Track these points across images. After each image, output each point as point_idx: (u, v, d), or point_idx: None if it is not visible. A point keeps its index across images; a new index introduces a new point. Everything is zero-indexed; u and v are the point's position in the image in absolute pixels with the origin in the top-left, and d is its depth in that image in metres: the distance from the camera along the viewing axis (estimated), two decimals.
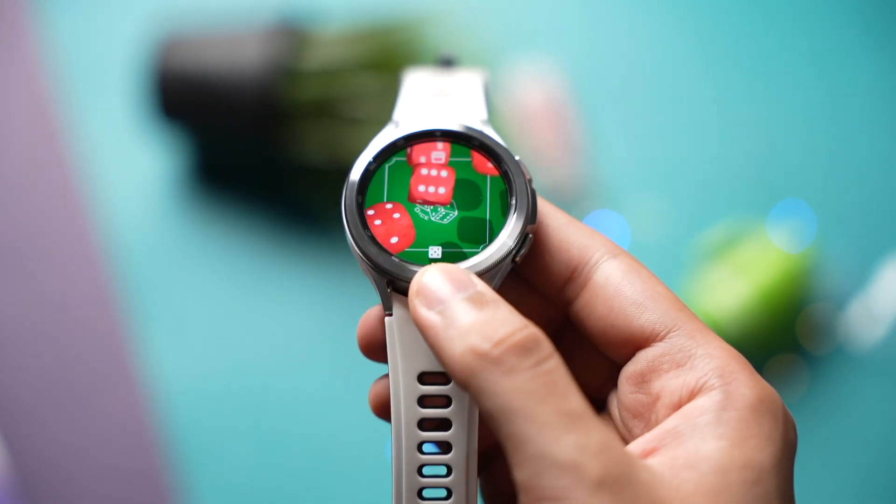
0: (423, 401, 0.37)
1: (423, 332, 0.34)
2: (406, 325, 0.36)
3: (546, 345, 0.32)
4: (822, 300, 0.86)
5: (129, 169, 0.92)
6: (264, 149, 0.88)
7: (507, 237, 0.37)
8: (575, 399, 0.31)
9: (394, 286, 0.36)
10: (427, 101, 0.40)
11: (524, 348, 0.32)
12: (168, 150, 0.92)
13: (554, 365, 0.32)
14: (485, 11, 0.97)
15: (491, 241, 0.37)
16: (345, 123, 0.85)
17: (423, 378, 0.36)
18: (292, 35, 0.86)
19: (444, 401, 0.37)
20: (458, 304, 0.33)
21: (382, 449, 0.81)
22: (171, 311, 0.86)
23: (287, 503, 0.81)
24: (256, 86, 0.84)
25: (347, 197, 0.38)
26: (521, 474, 0.31)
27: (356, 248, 0.37)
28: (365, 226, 0.37)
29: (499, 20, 0.97)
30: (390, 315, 0.36)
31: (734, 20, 1.00)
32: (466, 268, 0.36)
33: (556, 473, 0.30)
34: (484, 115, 0.39)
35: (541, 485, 0.30)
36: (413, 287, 0.34)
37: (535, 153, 0.92)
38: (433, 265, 0.35)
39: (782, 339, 0.85)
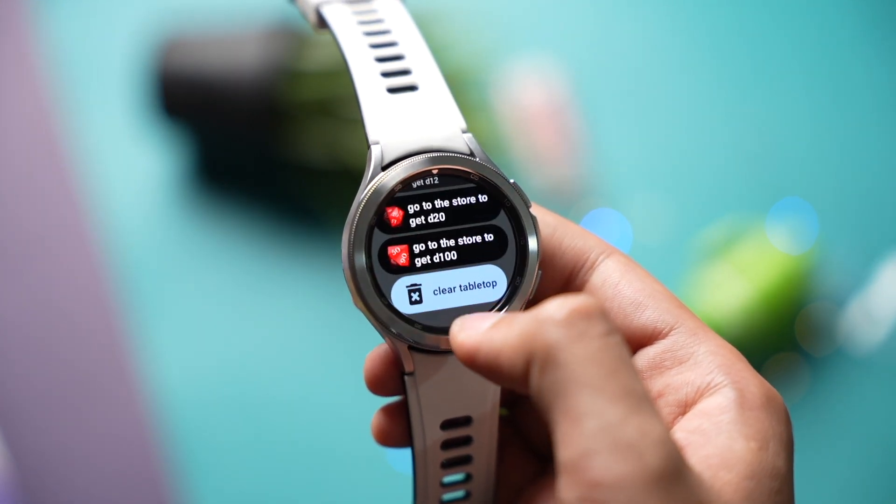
0: (445, 444, 0.37)
1: (475, 355, 0.32)
2: (426, 381, 0.36)
3: (610, 317, 0.31)
4: (822, 300, 0.86)
5: (129, 169, 0.92)
6: (264, 149, 0.88)
7: (527, 286, 0.36)
8: (639, 380, 0.30)
9: (415, 347, 0.35)
10: (394, 102, 0.37)
11: (590, 313, 0.30)
12: (168, 150, 0.92)
13: (621, 339, 0.30)
14: (485, 11, 0.97)
15: (508, 282, 0.36)
16: (345, 123, 0.85)
17: (445, 424, 0.36)
18: (292, 36, 0.86)
19: (465, 439, 0.37)
20: (506, 317, 0.32)
21: (384, 451, 0.81)
22: (171, 311, 0.86)
23: None
24: (256, 86, 0.84)
25: (356, 261, 0.35)
26: (570, 453, 0.29)
27: (375, 321, 0.35)
28: (381, 293, 0.35)
29: (499, 20, 0.97)
30: (411, 375, 0.35)
31: (735, 20, 1.00)
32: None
33: (615, 456, 0.28)
34: (462, 122, 0.37)
35: (593, 466, 0.28)
36: (455, 327, 0.33)
37: (536, 153, 0.92)
38: (468, 315, 0.34)
39: (782, 340, 0.85)
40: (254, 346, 0.85)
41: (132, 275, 0.87)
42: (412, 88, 0.38)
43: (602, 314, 0.31)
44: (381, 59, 0.38)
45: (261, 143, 0.87)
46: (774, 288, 0.83)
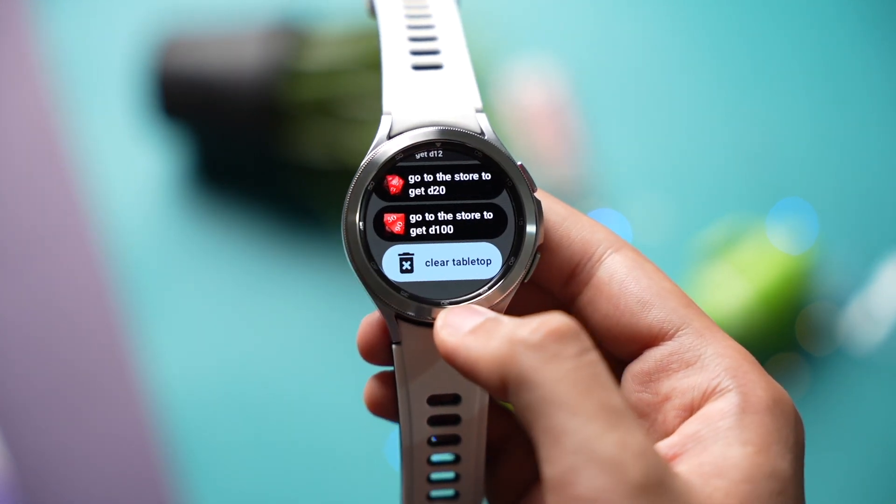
0: (433, 420, 0.37)
1: (453, 356, 0.32)
2: (414, 353, 0.36)
3: (585, 335, 0.31)
4: (822, 300, 0.86)
5: (129, 169, 0.92)
6: (264, 149, 0.88)
7: (520, 268, 0.36)
8: (617, 395, 0.30)
9: (402, 316, 0.35)
10: (416, 78, 0.38)
11: (564, 335, 0.30)
12: (168, 150, 0.92)
13: (596, 357, 0.31)
14: (485, 11, 0.97)
15: (503, 262, 0.36)
16: (345, 123, 0.85)
17: (433, 400, 0.36)
18: (292, 35, 0.86)
19: (453, 418, 0.37)
20: (487, 323, 0.32)
21: (383, 449, 0.81)
22: (171, 311, 0.86)
23: None
24: (256, 86, 0.84)
25: (349, 223, 0.36)
26: (554, 470, 0.29)
27: (362, 282, 0.35)
28: (370, 257, 0.35)
29: (499, 20, 0.97)
30: (398, 344, 0.35)
31: (735, 20, 1.00)
32: (484, 298, 0.35)
33: (596, 471, 0.28)
34: (478, 102, 0.38)
35: (576, 481, 0.29)
36: (438, 322, 0.33)
37: (536, 153, 0.92)
38: (452, 308, 0.34)
39: (782, 340, 0.85)
40: (254, 346, 0.85)
41: (132, 275, 0.87)
42: (437, 67, 0.38)
43: (576, 334, 0.31)
44: (413, 39, 0.39)
45: (261, 143, 0.87)
46: (774, 288, 0.83)
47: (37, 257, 0.88)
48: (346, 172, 0.86)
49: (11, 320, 0.86)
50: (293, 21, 0.88)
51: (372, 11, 0.41)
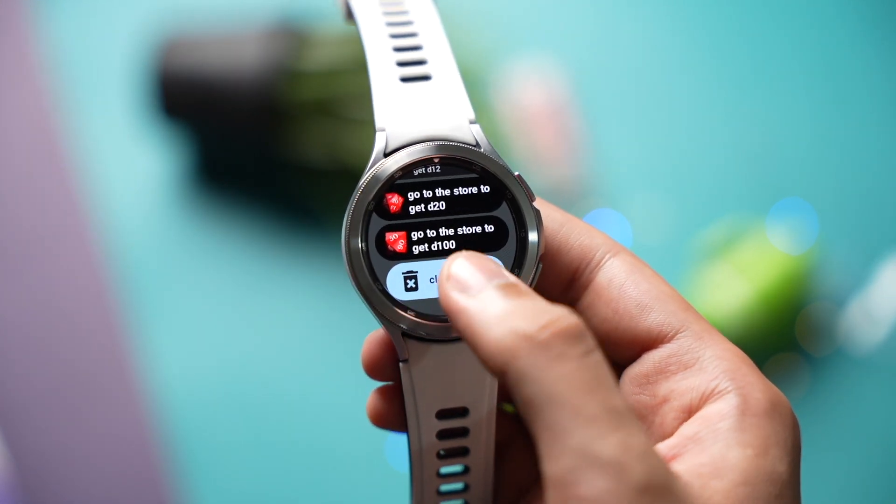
0: (441, 434, 0.37)
1: (453, 317, 0.32)
2: (423, 369, 0.35)
3: (591, 336, 0.31)
4: (822, 300, 0.86)
5: (129, 169, 0.92)
6: (264, 149, 0.88)
7: (524, 280, 0.35)
8: (619, 396, 0.30)
9: (409, 335, 0.35)
10: (405, 91, 0.38)
11: (572, 335, 0.30)
12: (168, 150, 0.92)
13: (600, 357, 0.30)
14: (485, 11, 0.97)
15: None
16: (345, 123, 0.85)
17: (441, 414, 0.36)
18: (292, 35, 0.86)
19: (462, 430, 0.37)
20: (492, 291, 0.32)
21: (383, 450, 0.81)
22: (171, 311, 0.86)
23: None
24: (256, 86, 0.84)
25: (351, 243, 0.35)
26: (554, 468, 0.29)
27: (368, 305, 0.35)
28: (375, 277, 0.35)
29: (499, 20, 0.97)
30: (406, 362, 0.35)
31: (735, 20, 1.00)
32: None
33: (597, 472, 0.28)
34: (471, 113, 0.37)
35: (577, 481, 0.28)
36: (444, 272, 0.33)
37: (535, 153, 0.92)
38: (461, 253, 0.33)
39: (782, 340, 0.85)
40: (254, 346, 0.85)
41: (132, 275, 0.87)
42: (425, 78, 0.38)
43: (581, 334, 0.30)
44: (398, 49, 0.39)
45: (261, 143, 0.87)
46: (774, 288, 0.83)
47: (37, 257, 0.88)
48: (346, 172, 0.86)
49: (11, 320, 0.86)
50: (293, 21, 0.88)
51: (349, 15, 0.41)
